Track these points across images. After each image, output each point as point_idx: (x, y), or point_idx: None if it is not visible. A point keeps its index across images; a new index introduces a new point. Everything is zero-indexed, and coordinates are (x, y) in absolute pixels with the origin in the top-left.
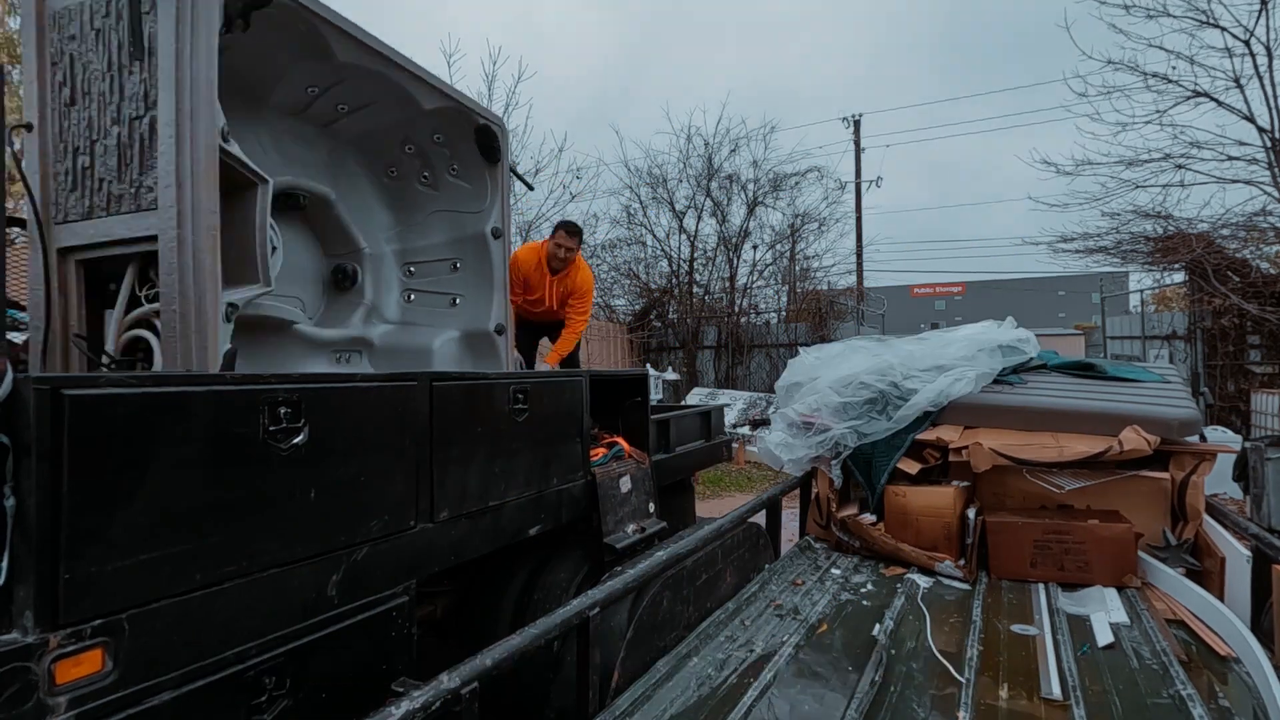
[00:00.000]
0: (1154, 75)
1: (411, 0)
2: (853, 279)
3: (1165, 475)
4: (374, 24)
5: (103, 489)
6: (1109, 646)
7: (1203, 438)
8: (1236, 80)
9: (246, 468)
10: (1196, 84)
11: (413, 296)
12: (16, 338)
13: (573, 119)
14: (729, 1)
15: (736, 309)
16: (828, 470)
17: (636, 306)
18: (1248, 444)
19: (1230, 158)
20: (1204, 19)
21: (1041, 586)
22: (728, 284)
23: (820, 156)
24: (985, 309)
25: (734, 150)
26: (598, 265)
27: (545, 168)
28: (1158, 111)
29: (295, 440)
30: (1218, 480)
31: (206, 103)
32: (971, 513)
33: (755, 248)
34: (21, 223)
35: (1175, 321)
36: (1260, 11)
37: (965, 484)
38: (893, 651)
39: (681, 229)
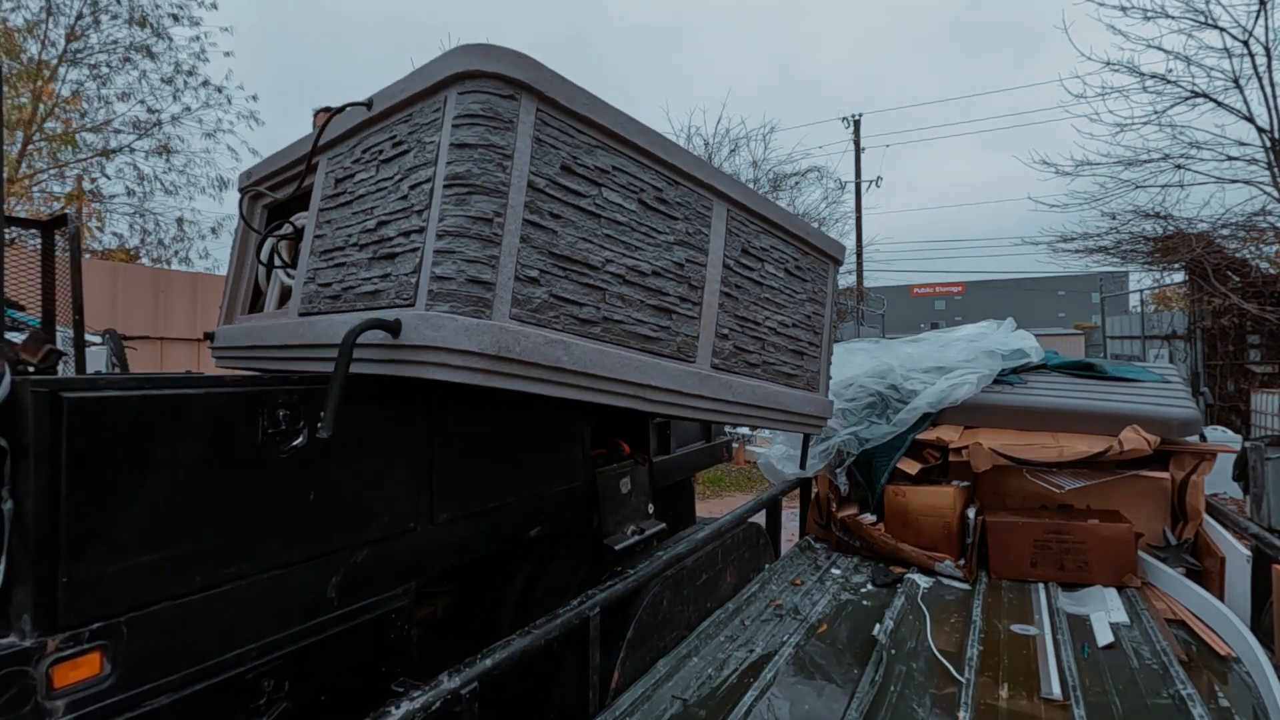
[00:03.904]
0: (1152, 76)
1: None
2: (852, 279)
3: (1165, 475)
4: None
5: (101, 491)
6: (1109, 646)
7: (1203, 437)
8: (1235, 81)
9: (245, 470)
10: (1195, 85)
11: None
12: (16, 338)
13: None
14: (730, 3)
15: None
16: (832, 479)
17: None
18: (1248, 444)
19: (1230, 158)
20: (1202, 20)
21: (1041, 586)
22: None
23: (820, 157)
24: (985, 309)
25: (734, 150)
26: None
27: None
28: (1156, 112)
29: (294, 442)
30: (1218, 480)
31: None
32: (971, 512)
33: None
34: (22, 222)
35: (1175, 321)
36: (1259, 12)
37: (965, 484)
38: (893, 651)
39: None
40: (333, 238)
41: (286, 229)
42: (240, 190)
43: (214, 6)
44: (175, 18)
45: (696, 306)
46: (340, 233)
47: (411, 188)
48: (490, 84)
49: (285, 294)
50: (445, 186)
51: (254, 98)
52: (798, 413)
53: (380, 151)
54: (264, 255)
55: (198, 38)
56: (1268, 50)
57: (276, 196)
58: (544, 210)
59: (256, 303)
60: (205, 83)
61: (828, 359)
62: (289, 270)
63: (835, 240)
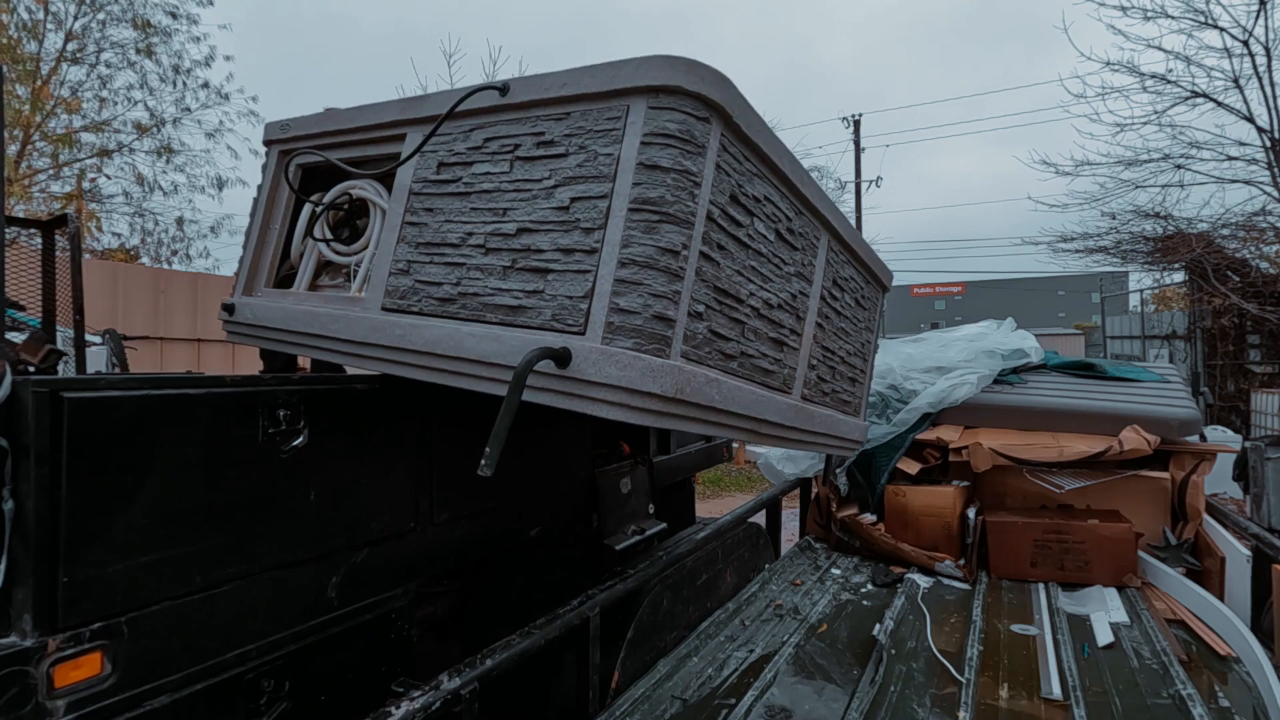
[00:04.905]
0: (1152, 76)
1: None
2: None
3: (1165, 475)
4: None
5: (102, 491)
6: (1109, 646)
7: (1203, 437)
8: (1235, 80)
9: (246, 470)
10: (1195, 84)
11: None
12: (16, 338)
13: None
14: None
15: None
16: (834, 479)
17: None
18: (1248, 444)
19: (1230, 158)
20: (1202, 19)
21: (1041, 586)
22: None
23: (820, 157)
24: (985, 309)
25: None
26: None
27: None
28: (1156, 112)
29: (295, 442)
30: (1218, 480)
31: None
32: (971, 512)
33: None
34: (22, 222)
35: (1175, 321)
36: (1259, 12)
37: (965, 484)
38: (893, 651)
39: None
40: (439, 230)
41: (338, 197)
42: (267, 142)
43: (210, 3)
44: (173, 15)
45: (799, 338)
46: (452, 227)
47: (574, 199)
48: (689, 103)
49: (321, 268)
50: (632, 210)
51: (254, 99)
52: (848, 438)
53: (517, 146)
54: (311, 227)
55: (199, 38)
56: (1268, 50)
57: (326, 158)
58: (714, 241)
59: (282, 269)
60: (205, 84)
61: (869, 384)
62: (333, 244)
63: (886, 266)
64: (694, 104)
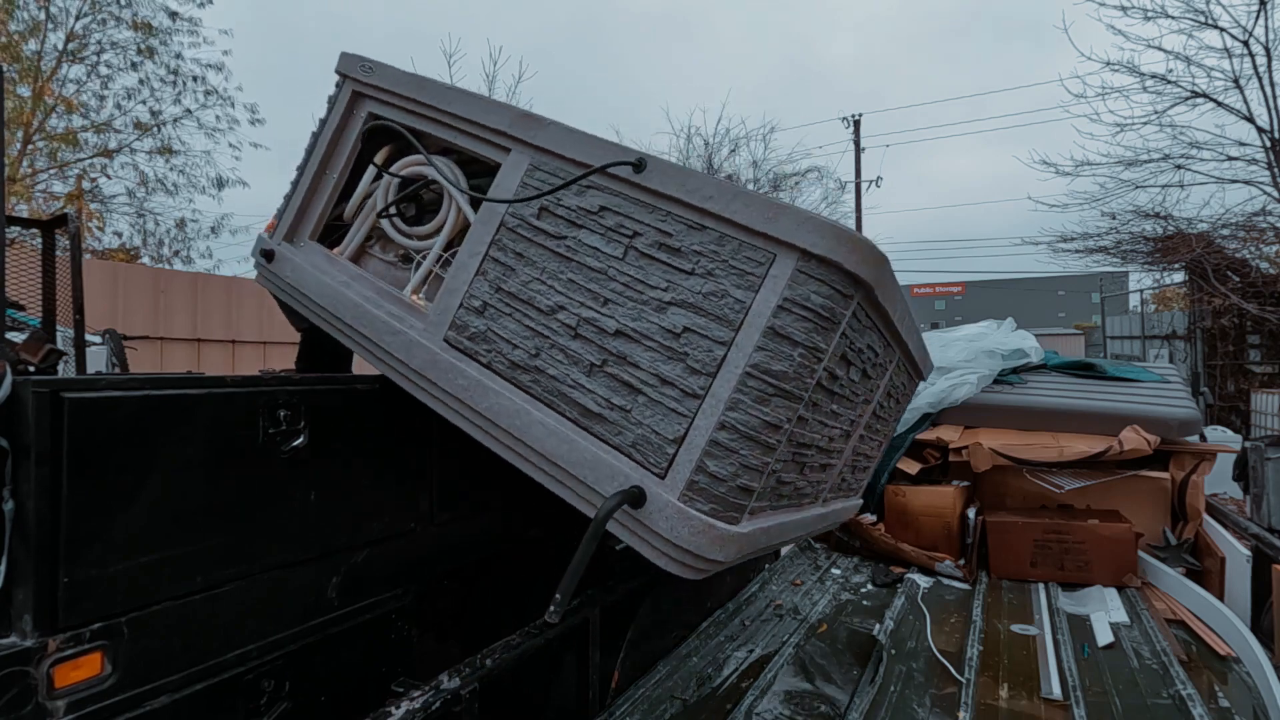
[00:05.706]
0: (1152, 76)
1: None
2: None
3: (1165, 475)
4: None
5: (102, 491)
6: (1109, 646)
7: (1203, 437)
8: (1235, 81)
9: (246, 470)
10: (1195, 85)
11: None
12: (16, 338)
13: (575, 120)
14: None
15: None
16: None
17: None
18: (1248, 444)
19: (1230, 158)
20: (1202, 20)
21: (1041, 586)
22: None
23: (820, 157)
24: (985, 309)
25: (734, 150)
26: None
27: None
28: (1156, 112)
29: (295, 442)
30: (1218, 480)
31: None
32: (971, 512)
33: None
34: (22, 222)
35: (1175, 321)
36: (1259, 12)
37: (965, 484)
38: (893, 651)
39: None
40: (527, 285)
41: (417, 181)
42: (340, 74)
43: (210, 1)
44: (173, 15)
45: (842, 454)
46: (543, 290)
47: (688, 329)
48: (839, 279)
49: (374, 234)
50: (749, 374)
51: (254, 107)
52: (844, 520)
53: (635, 234)
54: (387, 209)
55: (206, 42)
56: (1268, 50)
57: (399, 125)
58: (811, 401)
59: (331, 217)
60: (209, 92)
61: (875, 465)
62: (398, 223)
63: (928, 354)
64: (844, 280)
